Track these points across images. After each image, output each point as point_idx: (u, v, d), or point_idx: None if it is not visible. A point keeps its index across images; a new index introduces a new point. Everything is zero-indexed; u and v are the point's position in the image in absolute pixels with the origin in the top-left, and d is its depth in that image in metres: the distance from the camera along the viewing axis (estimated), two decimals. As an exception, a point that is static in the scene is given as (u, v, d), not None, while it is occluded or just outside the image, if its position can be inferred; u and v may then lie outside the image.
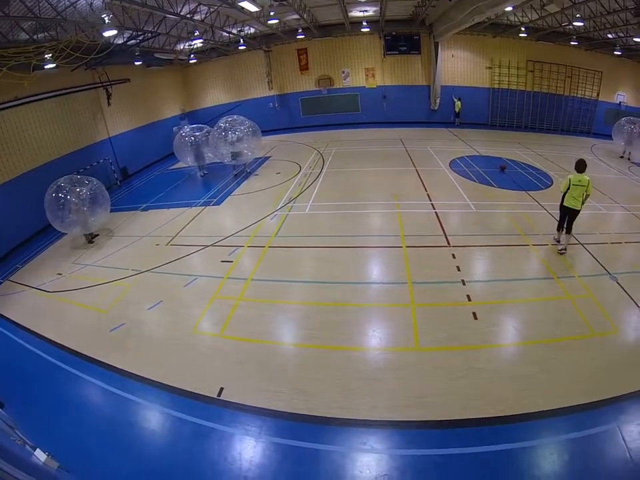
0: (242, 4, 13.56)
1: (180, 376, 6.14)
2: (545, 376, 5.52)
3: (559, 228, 9.17)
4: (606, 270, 8.13)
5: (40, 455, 2.40)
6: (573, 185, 8.41)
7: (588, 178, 8.38)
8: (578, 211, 8.59)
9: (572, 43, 20.21)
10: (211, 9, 15.14)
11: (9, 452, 2.01)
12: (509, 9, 15.01)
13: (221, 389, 5.78)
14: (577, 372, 5.57)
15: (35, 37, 10.84)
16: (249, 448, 4.87)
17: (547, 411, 4.96)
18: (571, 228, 8.79)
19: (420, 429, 4.90)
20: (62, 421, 5.66)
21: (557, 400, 5.09)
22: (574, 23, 16.15)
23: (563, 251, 8.87)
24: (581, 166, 8.45)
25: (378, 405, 5.26)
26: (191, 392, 5.80)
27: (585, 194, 8.41)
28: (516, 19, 19.17)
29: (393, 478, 4.33)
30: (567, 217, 8.74)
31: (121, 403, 5.86)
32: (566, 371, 5.59)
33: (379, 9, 19.03)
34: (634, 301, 7.08)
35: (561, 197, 8.77)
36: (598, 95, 21.90)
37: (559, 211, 8.98)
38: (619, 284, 7.62)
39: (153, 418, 5.66)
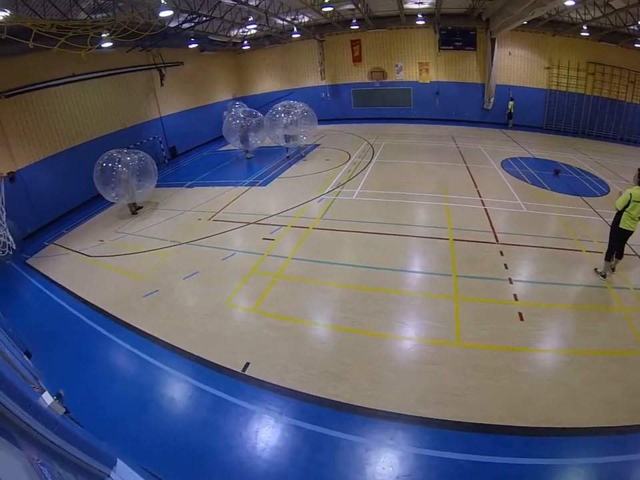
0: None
1: (207, 346, 6.10)
2: (590, 389, 4.98)
3: (610, 257, 7.32)
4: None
5: (47, 398, 2.27)
6: (634, 201, 6.81)
7: None
8: (632, 232, 7.08)
9: (636, 45, 18.53)
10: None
11: (21, 394, 1.91)
12: (570, 3, 14.01)
13: (247, 364, 5.67)
14: (625, 389, 4.97)
15: (92, 16, 11.14)
16: (267, 427, 4.71)
17: (592, 428, 4.45)
18: (623, 252, 7.41)
19: (452, 429, 4.53)
20: (83, 376, 5.77)
21: (601, 417, 4.56)
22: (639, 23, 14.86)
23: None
24: None
25: (410, 398, 4.94)
26: (216, 364, 5.73)
27: None
28: (577, 16, 17.87)
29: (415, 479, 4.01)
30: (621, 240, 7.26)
31: (144, 366, 5.90)
32: (613, 387, 5.00)
33: (434, 1, 18.42)
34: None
35: (614, 217, 7.19)
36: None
37: (609, 237, 7.32)
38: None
39: (174, 385, 5.64)
